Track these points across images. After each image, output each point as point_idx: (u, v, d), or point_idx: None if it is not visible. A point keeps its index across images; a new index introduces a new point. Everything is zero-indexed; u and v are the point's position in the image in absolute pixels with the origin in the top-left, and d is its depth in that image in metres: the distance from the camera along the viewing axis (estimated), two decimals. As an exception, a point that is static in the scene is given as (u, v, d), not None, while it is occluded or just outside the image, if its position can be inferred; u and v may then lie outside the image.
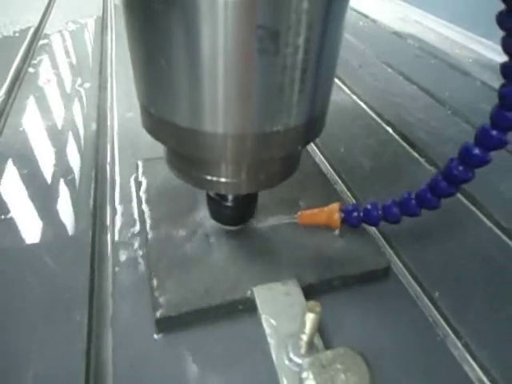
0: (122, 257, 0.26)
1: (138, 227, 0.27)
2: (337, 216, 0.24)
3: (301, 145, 0.19)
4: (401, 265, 0.27)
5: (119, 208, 0.29)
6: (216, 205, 0.24)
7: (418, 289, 0.25)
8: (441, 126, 0.43)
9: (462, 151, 0.21)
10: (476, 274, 0.26)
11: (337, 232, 0.25)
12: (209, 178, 0.19)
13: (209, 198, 0.24)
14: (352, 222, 0.24)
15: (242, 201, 0.23)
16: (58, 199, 0.30)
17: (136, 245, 0.26)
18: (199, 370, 0.20)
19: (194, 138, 0.17)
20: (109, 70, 0.50)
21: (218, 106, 0.16)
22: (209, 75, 0.15)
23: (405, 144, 0.40)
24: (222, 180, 0.19)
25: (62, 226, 0.28)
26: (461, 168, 0.21)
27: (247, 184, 0.20)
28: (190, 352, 0.21)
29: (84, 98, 0.44)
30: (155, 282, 0.22)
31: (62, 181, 0.32)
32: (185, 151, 0.18)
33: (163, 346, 0.21)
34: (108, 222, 0.28)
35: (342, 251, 0.25)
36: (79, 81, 0.47)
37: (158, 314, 0.21)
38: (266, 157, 0.18)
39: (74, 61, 0.52)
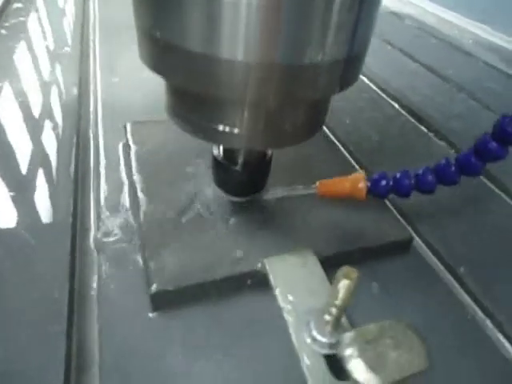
0: (108, 227, 0.22)
1: (127, 195, 0.24)
2: (362, 185, 0.21)
3: (337, 87, 0.15)
4: (420, 239, 0.24)
5: (105, 175, 0.26)
6: (223, 170, 0.20)
7: (441, 264, 0.23)
8: (447, 103, 0.41)
9: None
10: (499, 248, 0.24)
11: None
12: (220, 127, 0.16)
13: (215, 162, 0.20)
14: (379, 192, 0.21)
15: (253, 166, 0.20)
16: (34, 167, 0.26)
17: (125, 214, 0.23)
18: (202, 355, 0.17)
19: (207, 68, 0.13)
20: (91, 37, 0.46)
21: (239, 25, 0.12)
22: None
23: (412, 119, 0.37)
24: (236, 131, 0.16)
25: (39, 196, 0.24)
26: None
27: (266, 137, 0.16)
28: (191, 333, 0.18)
29: (63, 63, 0.40)
30: (149, 253, 0.19)
31: (38, 148, 0.28)
32: (194, 87, 0.15)
33: (159, 326, 0.18)
34: (92, 191, 0.25)
35: (360, 222, 0.22)
36: (58, 46, 0.43)
37: (153, 288, 0.18)
38: (297, 98, 0.14)
39: (54, 26, 0.48)
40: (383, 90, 0.42)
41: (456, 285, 0.22)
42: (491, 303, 0.21)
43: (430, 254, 0.24)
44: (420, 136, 0.35)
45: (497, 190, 0.29)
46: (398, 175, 0.21)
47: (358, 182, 0.21)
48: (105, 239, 0.22)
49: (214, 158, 0.20)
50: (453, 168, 0.20)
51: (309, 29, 0.13)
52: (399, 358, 0.11)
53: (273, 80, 0.14)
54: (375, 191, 0.21)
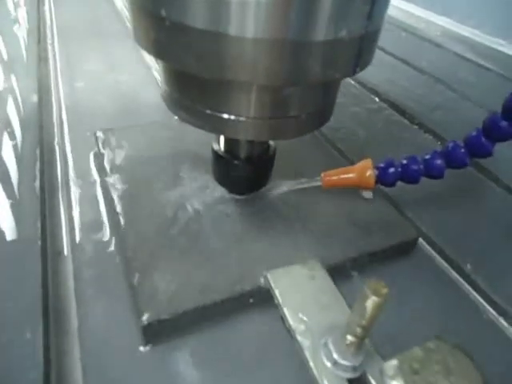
0: (85, 250, 0.20)
1: (104, 210, 0.21)
2: (370, 173, 0.20)
3: (353, 68, 0.14)
4: (422, 237, 0.23)
5: (75, 189, 0.23)
6: (225, 165, 0.19)
7: (447, 262, 0.22)
8: (427, 94, 0.40)
9: None
10: (501, 241, 0.24)
11: (367, 195, 0.21)
12: (226, 116, 0.15)
13: (216, 156, 0.19)
14: (387, 180, 0.20)
15: (257, 160, 0.19)
16: (-8, 184, 0.23)
17: (103, 232, 0.20)
18: (206, 389, 0.15)
19: (216, 47, 0.12)
20: (49, 41, 0.43)
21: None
22: None
23: (394, 112, 0.37)
24: (242, 119, 0.15)
25: (1, 216, 0.21)
26: None
27: (273, 127, 0.15)
28: (190, 366, 0.16)
29: (19, 69, 0.36)
30: (137, 277, 0.16)
31: (-5, 162, 0.25)
32: (203, 70, 0.13)
33: (153, 361, 0.16)
34: (62, 208, 0.22)
35: (364, 222, 0.20)
36: (12, 50, 0.39)
37: (144, 319, 0.15)
38: (310, 80, 0.13)
39: (5, 29, 0.44)
40: (361, 84, 0.41)
41: (465, 283, 0.21)
42: (503, 300, 0.20)
43: (434, 252, 0.22)
44: (405, 129, 0.34)
45: (491, 183, 0.28)
46: (406, 161, 0.20)
47: (365, 170, 0.20)
48: (82, 263, 0.19)
49: (215, 153, 0.19)
50: (462, 150, 0.19)
51: (324, 1, 0.12)
52: (453, 387, 0.09)
53: (285, 58, 0.13)
54: (383, 179, 0.20)
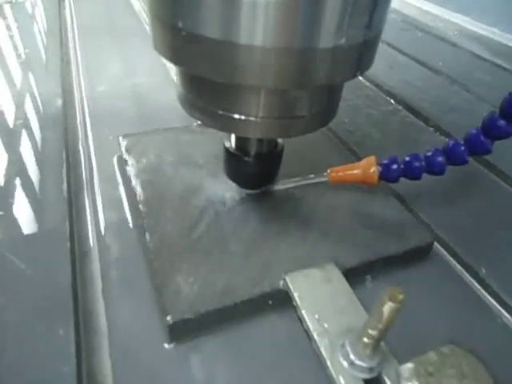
0: (112, 250, 0.21)
1: (128, 213, 0.22)
2: (374, 170, 0.21)
3: (354, 71, 0.15)
4: (436, 241, 0.24)
5: (101, 192, 0.24)
6: (235, 162, 0.20)
7: (461, 266, 0.22)
8: (442, 95, 0.40)
9: None
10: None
11: None
12: (237, 116, 0.16)
13: (227, 154, 0.20)
14: (391, 176, 0.21)
15: (266, 156, 0.20)
16: (23, 187, 0.24)
17: (128, 234, 0.21)
18: (227, 385, 0.16)
19: (229, 55, 0.13)
20: (71, 44, 0.44)
21: (260, 11, 0.12)
22: None
23: (410, 114, 0.37)
24: (252, 119, 0.16)
25: (31, 218, 0.22)
26: None
27: (281, 126, 0.16)
28: (213, 364, 0.16)
29: (44, 73, 0.37)
30: (162, 278, 0.17)
31: (24, 165, 0.26)
32: (216, 76, 0.14)
33: (178, 358, 0.16)
34: (88, 210, 0.23)
35: (380, 226, 0.21)
36: (36, 54, 0.41)
37: (169, 318, 0.16)
38: (314, 83, 0.14)
39: (29, 33, 0.45)
40: (377, 86, 0.41)
41: (480, 288, 0.21)
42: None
43: (448, 255, 0.23)
44: (420, 131, 0.34)
45: (505, 185, 0.29)
46: (408, 158, 0.21)
47: (369, 166, 0.21)
48: (108, 264, 0.20)
49: (227, 150, 0.20)
50: (462, 148, 0.20)
51: (327, 12, 0.13)
52: (466, 390, 0.10)
53: (291, 65, 0.14)
54: (387, 175, 0.21)
